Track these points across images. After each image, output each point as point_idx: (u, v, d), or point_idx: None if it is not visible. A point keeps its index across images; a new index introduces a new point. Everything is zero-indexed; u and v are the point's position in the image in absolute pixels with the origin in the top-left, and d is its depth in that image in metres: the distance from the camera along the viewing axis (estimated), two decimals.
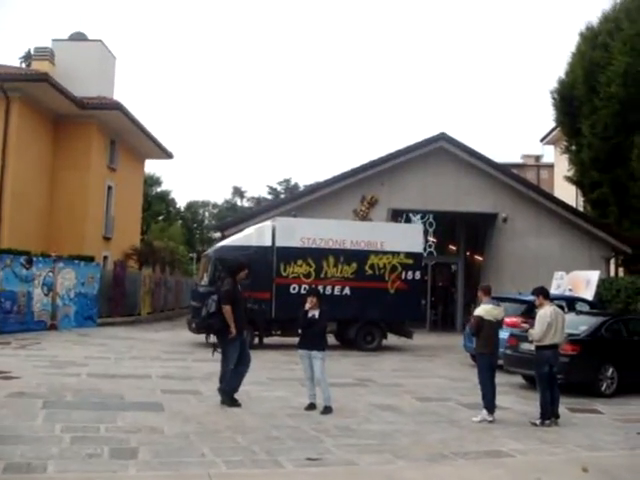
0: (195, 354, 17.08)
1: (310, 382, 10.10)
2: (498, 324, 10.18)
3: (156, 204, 70.47)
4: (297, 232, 19.44)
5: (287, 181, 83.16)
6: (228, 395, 10.00)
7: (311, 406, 9.96)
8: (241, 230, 22.25)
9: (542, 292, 10.45)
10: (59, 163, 29.62)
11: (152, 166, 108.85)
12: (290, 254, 19.20)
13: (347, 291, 19.48)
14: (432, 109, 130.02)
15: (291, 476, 6.62)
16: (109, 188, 32.85)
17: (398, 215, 27.47)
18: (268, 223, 20.19)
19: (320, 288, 18.35)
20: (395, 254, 19.97)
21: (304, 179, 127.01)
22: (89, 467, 6.55)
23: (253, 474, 6.64)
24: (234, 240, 20.04)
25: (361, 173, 27.19)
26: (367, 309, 19.55)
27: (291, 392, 11.51)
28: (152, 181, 70.86)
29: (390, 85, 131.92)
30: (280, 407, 10.12)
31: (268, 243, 19.26)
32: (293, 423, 9.00)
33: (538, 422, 9.71)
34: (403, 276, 19.97)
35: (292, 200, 28.00)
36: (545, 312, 10.09)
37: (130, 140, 34.86)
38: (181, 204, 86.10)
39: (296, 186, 79.44)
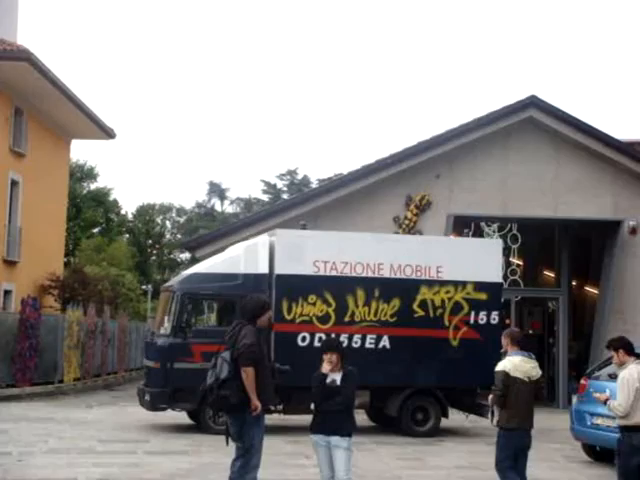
0: (150, 443, 17.01)
1: None
2: (532, 386, 10.70)
3: (89, 209, 70.86)
4: (308, 252, 19.46)
5: (292, 173, 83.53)
6: None
7: None
8: (222, 249, 22.27)
9: (623, 345, 10.84)
10: None
11: (82, 151, 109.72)
12: (297, 286, 19.22)
13: (385, 343, 19.44)
14: (511, 71, 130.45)
15: None
16: (13, 184, 33.16)
17: (463, 225, 27.40)
18: (264, 238, 20.32)
19: (344, 338, 18.75)
20: (459, 285, 19.92)
21: (316, 171, 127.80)
22: None
23: None
24: (212, 265, 20.16)
25: (406, 161, 27.25)
26: (416, 371, 19.53)
27: None
28: (82, 173, 71.40)
29: (443, 48, 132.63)
30: None
31: (263, 269, 19.35)
32: None
33: None
34: (472, 319, 19.93)
35: (300, 203, 28.02)
36: (631, 373, 10.42)
37: (47, 110, 35.21)
38: (128, 209, 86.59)
39: (306, 180, 79.95)
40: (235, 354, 9.83)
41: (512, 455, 10.60)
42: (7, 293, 31.92)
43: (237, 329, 10.07)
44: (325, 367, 9.85)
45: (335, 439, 9.71)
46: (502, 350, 11.20)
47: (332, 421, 9.78)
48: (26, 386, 26.80)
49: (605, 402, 10.76)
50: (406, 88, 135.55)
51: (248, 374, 9.73)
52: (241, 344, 9.85)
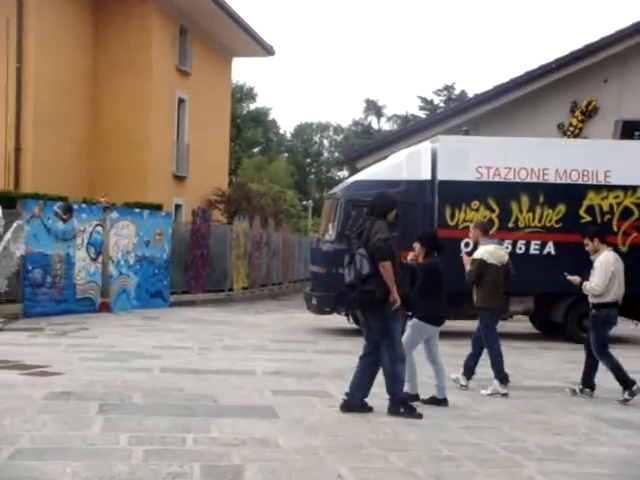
0: (319, 344, 17.44)
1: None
2: (505, 270, 12.38)
3: (249, 129, 71.86)
4: (471, 158, 19.42)
5: (449, 88, 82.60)
6: (402, 402, 10.13)
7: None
8: (383, 160, 22.35)
9: (598, 234, 12.65)
10: (104, 65, 30.72)
11: (240, 71, 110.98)
12: (461, 192, 19.27)
13: (550, 249, 19.33)
14: None
15: None
16: (181, 102, 33.79)
17: (633, 130, 26.60)
18: (426, 145, 20.32)
19: (508, 244, 18.76)
20: (629, 190, 19.61)
21: (474, 86, 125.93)
22: None
23: None
24: (374, 173, 20.32)
25: (571, 65, 26.68)
26: (582, 277, 19.20)
27: (465, 396, 11.72)
28: (242, 94, 72.29)
29: None
30: (449, 417, 10.25)
31: (426, 176, 19.41)
32: (472, 439, 9.05)
33: (627, 395, 11.90)
34: None
35: (461, 112, 27.98)
36: (607, 259, 12.15)
37: (209, 28, 35.56)
38: (287, 129, 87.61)
39: (463, 95, 78.78)
40: (371, 249, 9.80)
41: (495, 328, 12.50)
42: (178, 207, 32.80)
43: (368, 225, 10.03)
44: (409, 255, 11.00)
45: None
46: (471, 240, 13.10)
47: None
48: (199, 293, 27.90)
49: (580, 284, 12.43)
50: None
51: (387, 268, 9.73)
52: (376, 239, 9.79)
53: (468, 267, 12.47)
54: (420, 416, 9.97)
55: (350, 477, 7.32)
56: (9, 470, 7.10)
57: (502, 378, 12.01)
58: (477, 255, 12.31)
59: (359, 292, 9.92)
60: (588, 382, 12.44)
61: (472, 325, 18.81)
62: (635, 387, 11.88)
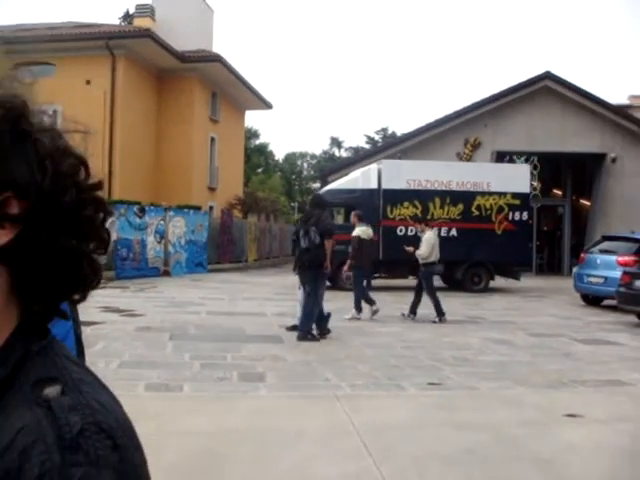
0: None
1: None
2: (372, 242, 12.67)
3: (255, 157, 71.41)
4: (403, 174, 19.42)
5: (384, 130, 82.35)
6: (309, 333, 10.08)
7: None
8: (345, 174, 22.44)
9: (424, 221, 13.48)
10: (164, 117, 30.44)
11: (250, 119, 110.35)
12: (396, 196, 19.26)
13: (454, 232, 19.39)
14: (534, 51, 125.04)
15: (416, 398, 6.76)
16: (212, 140, 33.55)
17: (502, 157, 26.84)
18: (374, 166, 20.28)
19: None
20: (502, 195, 19.65)
21: (401, 128, 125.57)
22: (221, 388, 6.88)
23: (379, 395, 6.81)
24: (340, 184, 20.24)
25: (464, 115, 26.75)
26: (474, 250, 19.41)
27: (403, 328, 11.76)
28: (250, 134, 71.73)
29: (490, 27, 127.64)
30: (395, 340, 10.30)
31: (374, 186, 19.38)
32: (410, 354, 9.15)
33: (437, 319, 12.27)
34: (510, 217, 19.72)
35: (393, 145, 27.88)
36: (430, 236, 12.53)
37: (230, 91, 35.36)
38: (279, 156, 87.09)
39: (394, 135, 78.66)
40: (323, 229, 9.90)
41: (364, 280, 12.51)
42: (211, 208, 32.61)
43: (317, 213, 10.08)
44: None
45: None
46: (352, 224, 12.82)
47: None
48: (227, 263, 27.70)
49: (413, 252, 12.56)
50: (457, 65, 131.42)
51: (331, 243, 9.93)
52: (327, 222, 10.05)
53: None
54: (319, 339, 9.95)
55: (334, 379, 7.41)
56: (119, 375, 7.18)
57: (358, 308, 12.38)
58: (355, 233, 12.35)
59: (312, 254, 9.93)
60: (413, 310, 12.63)
61: (402, 281, 19.11)
62: (443, 318, 12.34)
